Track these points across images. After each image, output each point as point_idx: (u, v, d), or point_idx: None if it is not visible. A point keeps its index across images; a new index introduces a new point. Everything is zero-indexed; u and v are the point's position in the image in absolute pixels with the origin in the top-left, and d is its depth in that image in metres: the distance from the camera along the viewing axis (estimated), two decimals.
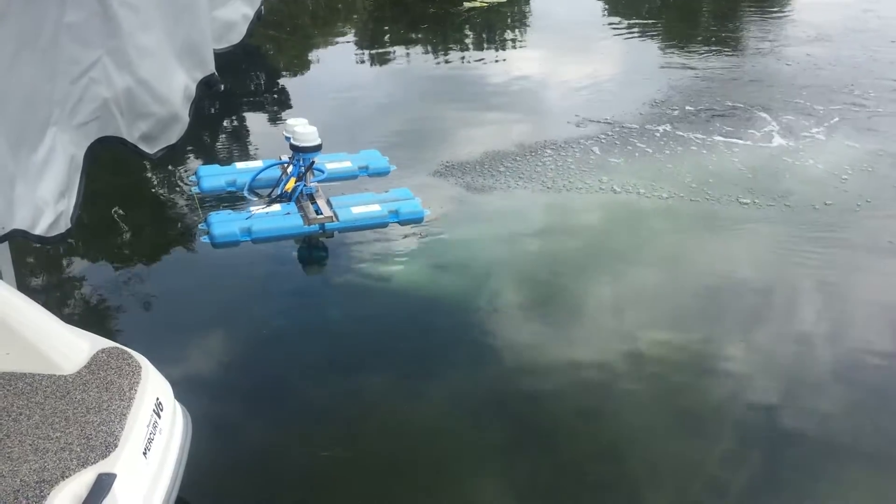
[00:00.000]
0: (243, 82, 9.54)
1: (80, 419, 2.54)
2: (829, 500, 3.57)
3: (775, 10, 12.53)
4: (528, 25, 12.24)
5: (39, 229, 2.75)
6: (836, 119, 7.73)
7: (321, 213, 5.46)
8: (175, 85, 3.30)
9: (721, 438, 3.85)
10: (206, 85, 3.48)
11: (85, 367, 2.77)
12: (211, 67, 3.53)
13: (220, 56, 3.65)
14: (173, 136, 3.33)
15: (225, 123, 8.31)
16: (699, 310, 4.91)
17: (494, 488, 3.58)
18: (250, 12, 3.92)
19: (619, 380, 4.25)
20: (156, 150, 3.31)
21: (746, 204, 6.10)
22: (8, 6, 2.53)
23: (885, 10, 11.99)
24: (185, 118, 3.38)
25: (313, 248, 5.58)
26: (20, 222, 2.66)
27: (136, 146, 3.21)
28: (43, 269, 5.34)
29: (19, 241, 2.76)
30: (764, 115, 7.88)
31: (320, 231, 5.44)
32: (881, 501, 3.58)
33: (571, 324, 4.76)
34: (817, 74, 9.07)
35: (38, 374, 2.72)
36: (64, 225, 2.87)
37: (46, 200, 2.77)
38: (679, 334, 4.66)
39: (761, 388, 4.19)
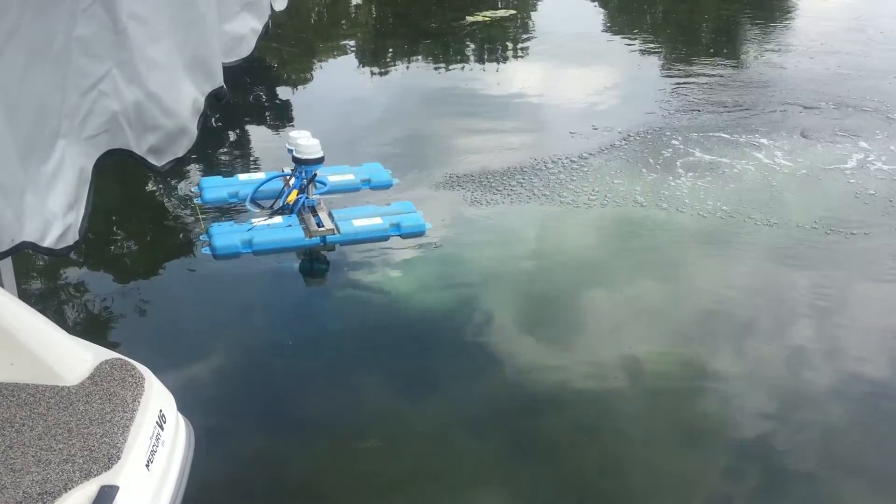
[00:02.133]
0: (247, 94, 9.58)
1: (83, 431, 2.53)
2: None
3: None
4: (531, 40, 12.30)
5: (48, 242, 2.76)
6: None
7: (323, 226, 5.47)
8: (184, 98, 3.32)
9: None
10: (214, 98, 3.50)
11: (88, 378, 2.76)
12: (219, 80, 3.56)
13: (225, 69, 3.68)
14: (181, 149, 3.36)
15: (228, 135, 8.34)
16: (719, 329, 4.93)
17: (495, 502, 3.57)
18: (259, 26, 3.96)
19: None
20: (163, 163, 3.33)
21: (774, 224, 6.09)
22: (20, 19, 2.55)
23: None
24: (194, 131, 3.40)
25: (314, 261, 5.59)
26: (29, 234, 2.66)
27: (144, 159, 3.23)
28: (45, 279, 5.34)
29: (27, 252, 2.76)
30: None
31: (321, 244, 5.45)
32: None
33: (595, 343, 4.77)
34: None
35: (42, 385, 2.71)
36: (72, 237, 2.88)
37: (55, 213, 2.78)
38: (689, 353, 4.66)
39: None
